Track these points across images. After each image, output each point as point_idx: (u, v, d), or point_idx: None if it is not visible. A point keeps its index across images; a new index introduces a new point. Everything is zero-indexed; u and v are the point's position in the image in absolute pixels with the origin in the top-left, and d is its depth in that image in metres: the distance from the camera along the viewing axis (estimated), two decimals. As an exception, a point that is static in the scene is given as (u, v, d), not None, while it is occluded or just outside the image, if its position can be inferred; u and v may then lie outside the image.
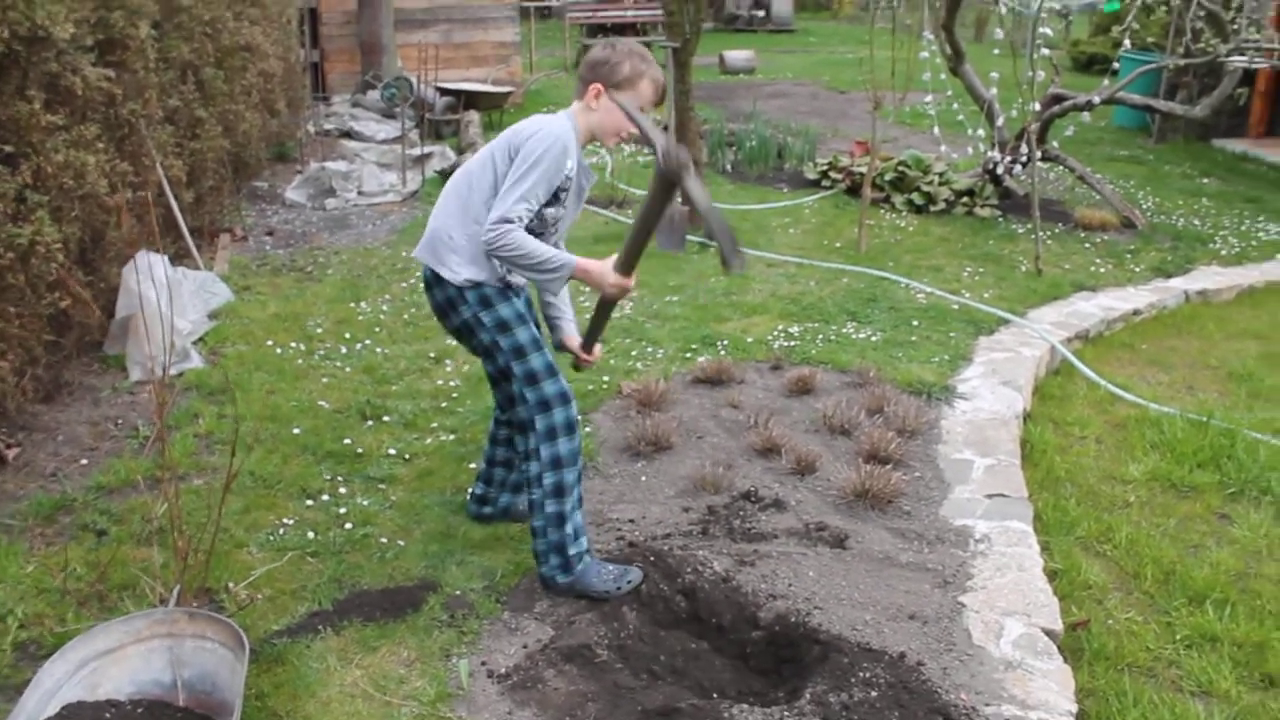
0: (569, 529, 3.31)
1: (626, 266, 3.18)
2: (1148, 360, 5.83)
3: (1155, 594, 3.68)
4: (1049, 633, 3.26)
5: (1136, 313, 6.39)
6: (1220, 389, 5.46)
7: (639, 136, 3.12)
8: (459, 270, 3.20)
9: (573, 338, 3.53)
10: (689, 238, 7.42)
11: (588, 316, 3.49)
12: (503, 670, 3.01)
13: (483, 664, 3.05)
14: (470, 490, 3.89)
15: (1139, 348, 5.99)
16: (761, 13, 26.64)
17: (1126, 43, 7.49)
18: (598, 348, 3.56)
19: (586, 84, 3.22)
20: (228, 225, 7.45)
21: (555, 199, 3.16)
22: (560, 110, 3.29)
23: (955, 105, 9.70)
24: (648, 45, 3.65)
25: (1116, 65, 9.18)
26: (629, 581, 3.35)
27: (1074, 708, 2.94)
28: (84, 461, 4.24)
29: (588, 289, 4.28)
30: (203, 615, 2.84)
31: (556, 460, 3.26)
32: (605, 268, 3.17)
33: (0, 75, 4.25)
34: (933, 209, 8.41)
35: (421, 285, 3.42)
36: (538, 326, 3.41)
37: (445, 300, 3.28)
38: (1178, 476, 4.45)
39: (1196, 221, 8.49)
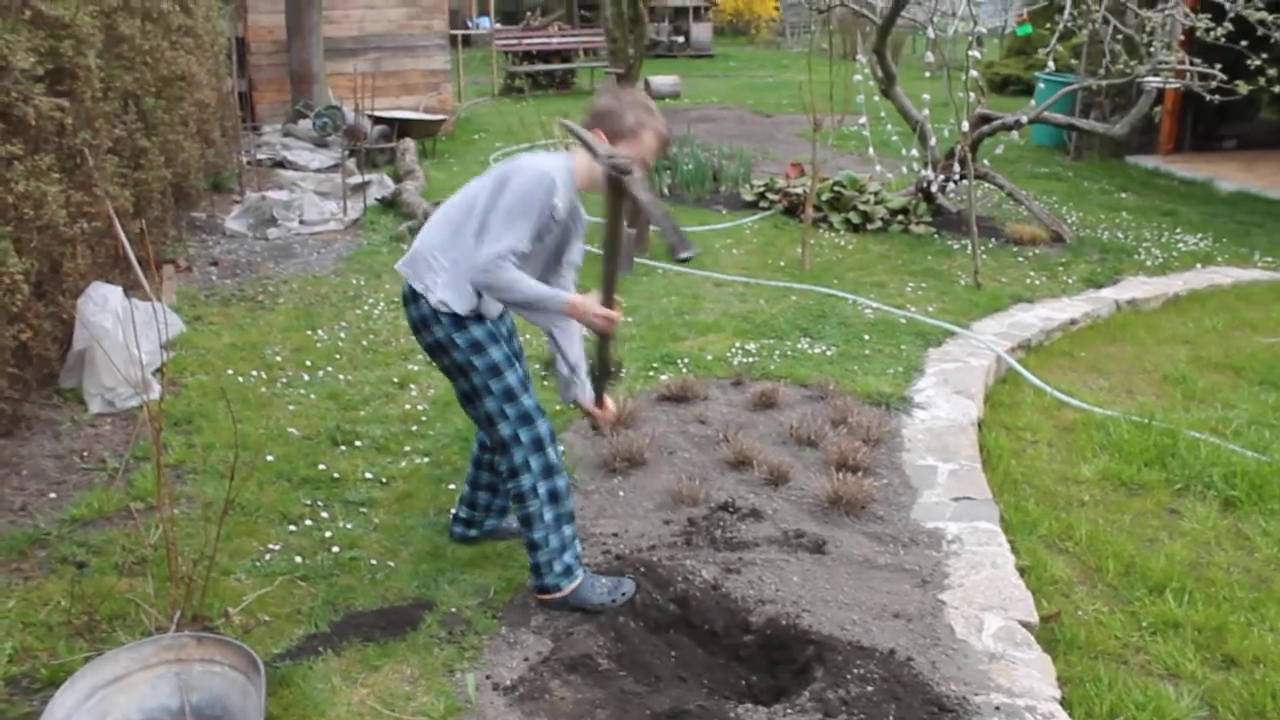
0: (568, 533, 3.39)
1: (607, 296, 3.28)
2: (1087, 367, 6.08)
3: (1118, 585, 3.86)
4: (1026, 625, 3.41)
5: (1073, 322, 6.67)
6: (1157, 391, 5.72)
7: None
8: (435, 291, 3.24)
9: (586, 396, 3.56)
10: (637, 260, 7.53)
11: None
12: (508, 683, 3.06)
13: (487, 678, 3.09)
14: (454, 512, 3.92)
15: (1078, 355, 6.25)
16: (681, 39, 27.07)
17: (1051, 64, 7.84)
18: (609, 403, 3.62)
19: (588, 128, 3.23)
20: (172, 256, 7.36)
21: (538, 237, 3.21)
22: (548, 153, 3.31)
23: (889, 126, 9.98)
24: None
25: (1042, 85, 9.56)
26: (623, 594, 3.43)
27: (1057, 693, 3.09)
28: (53, 495, 4.18)
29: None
30: (211, 639, 2.84)
31: (548, 468, 3.33)
32: (589, 300, 3.26)
33: (-41, 106, 4.21)
34: (869, 227, 8.65)
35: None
36: (512, 345, 3.48)
37: (419, 318, 3.31)
38: (1127, 475, 4.66)
39: (1120, 234, 8.87)
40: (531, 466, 3.33)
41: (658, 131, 3.26)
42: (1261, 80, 7.99)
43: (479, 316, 3.29)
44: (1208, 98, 8.13)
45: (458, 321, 3.26)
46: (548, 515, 3.35)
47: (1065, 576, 3.90)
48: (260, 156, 10.99)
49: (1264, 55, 8.12)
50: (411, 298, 3.32)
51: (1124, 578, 3.89)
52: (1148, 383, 5.86)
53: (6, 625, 3.28)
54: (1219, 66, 8.11)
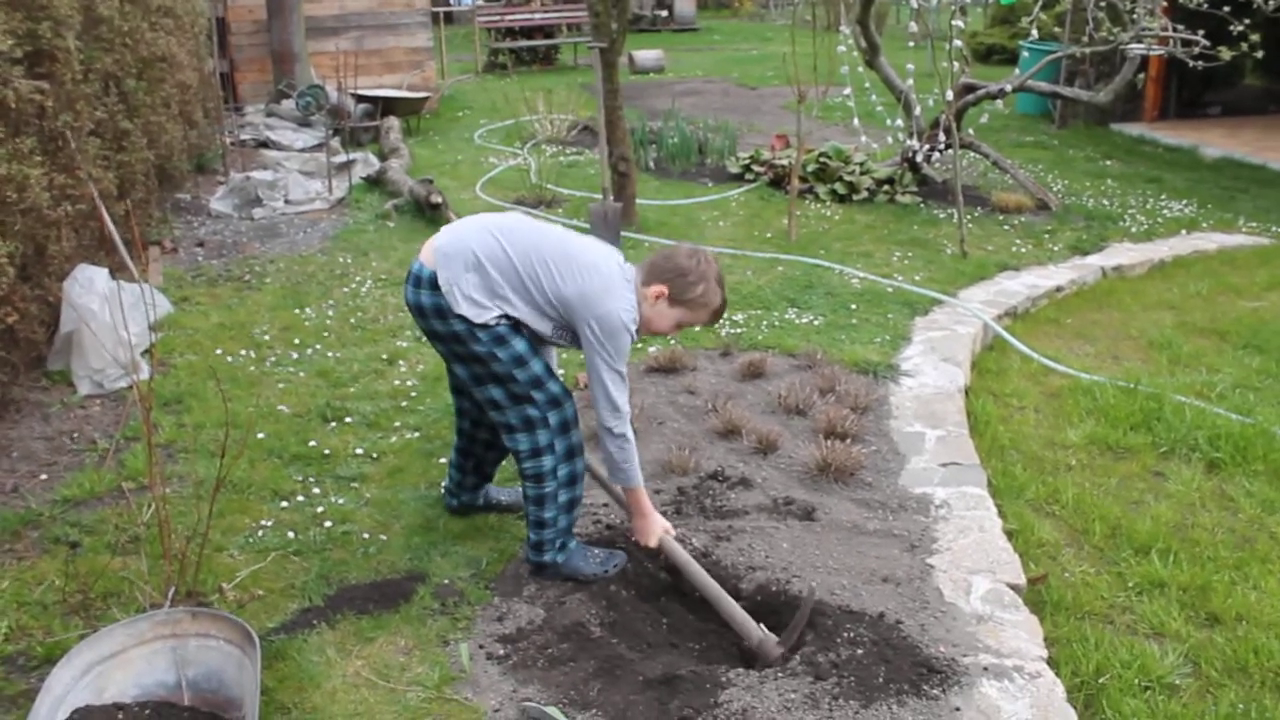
0: (575, 514, 3.44)
1: (670, 557, 3.38)
2: (1073, 333, 6.12)
3: (1104, 547, 3.90)
4: (1013, 587, 3.45)
5: (1059, 289, 6.70)
6: (1143, 357, 5.76)
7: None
8: (459, 303, 3.14)
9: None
10: (623, 234, 7.52)
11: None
12: (501, 652, 3.09)
13: (480, 647, 3.12)
14: (444, 484, 3.94)
15: (1064, 322, 6.28)
16: (665, 12, 26.94)
17: (1034, 32, 7.83)
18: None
19: (655, 276, 3.26)
20: (157, 238, 7.34)
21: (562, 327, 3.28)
22: (612, 258, 3.30)
23: (873, 97, 9.98)
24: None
25: (1026, 54, 9.55)
26: (615, 564, 3.46)
27: (1044, 653, 3.13)
28: (44, 476, 4.18)
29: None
30: (205, 614, 2.86)
31: (570, 451, 3.36)
32: (657, 517, 3.44)
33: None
34: (855, 198, 8.66)
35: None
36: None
37: (434, 305, 3.19)
38: (1113, 439, 4.70)
39: (1105, 201, 8.89)
40: (556, 449, 3.34)
41: (715, 311, 3.34)
42: (1244, 46, 8.00)
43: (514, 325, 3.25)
44: (1191, 64, 8.13)
45: (499, 339, 3.21)
46: (562, 497, 3.39)
47: (1052, 539, 3.94)
48: (244, 137, 10.93)
49: (1247, 21, 8.12)
50: (429, 285, 3.19)
51: (1110, 539, 3.94)
52: (1133, 348, 5.89)
53: (1, 604, 3.30)
54: (1202, 33, 8.11)
